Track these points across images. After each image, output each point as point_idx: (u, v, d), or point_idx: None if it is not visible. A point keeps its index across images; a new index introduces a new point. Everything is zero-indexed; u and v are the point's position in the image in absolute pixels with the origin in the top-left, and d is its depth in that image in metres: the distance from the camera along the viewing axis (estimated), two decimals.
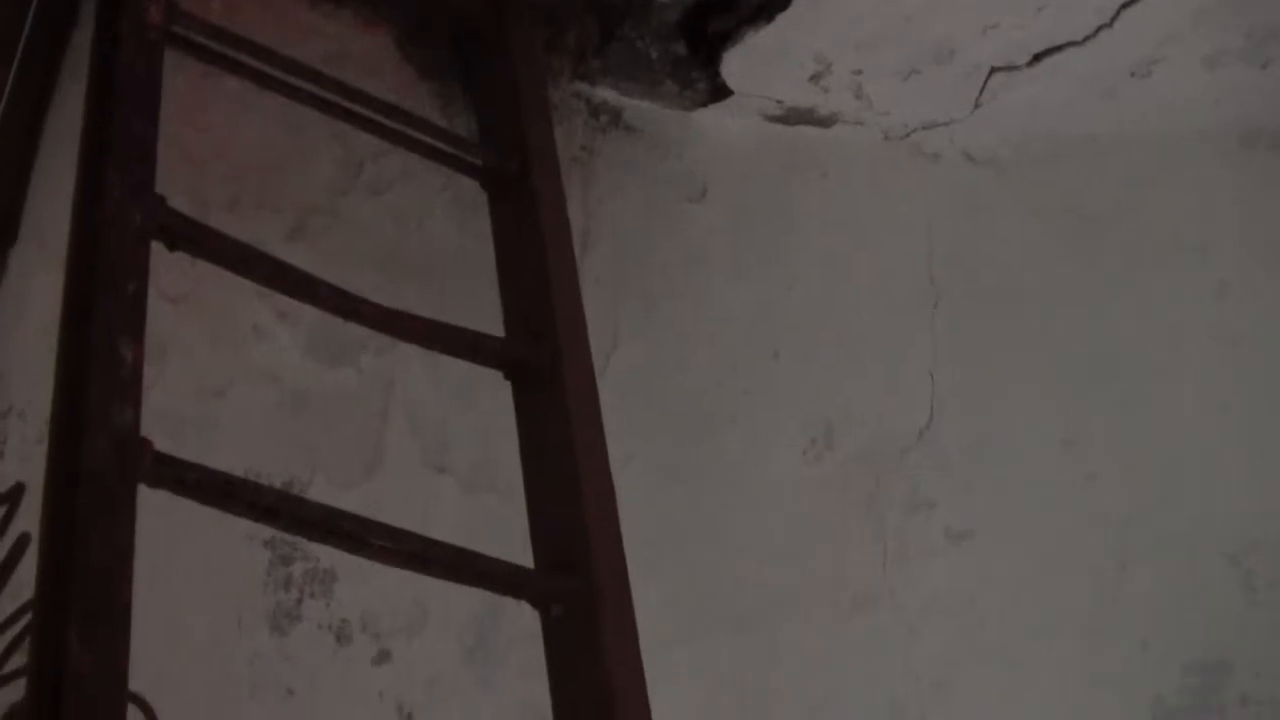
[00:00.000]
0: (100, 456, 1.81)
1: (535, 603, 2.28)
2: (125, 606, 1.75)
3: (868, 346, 3.11)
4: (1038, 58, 2.94)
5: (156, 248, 2.13)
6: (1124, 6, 2.77)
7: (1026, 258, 3.07)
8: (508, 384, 2.53)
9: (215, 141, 2.86)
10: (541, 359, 2.44)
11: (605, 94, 3.22)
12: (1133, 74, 2.96)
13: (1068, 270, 3.03)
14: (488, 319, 2.56)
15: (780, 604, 2.98)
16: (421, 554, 2.17)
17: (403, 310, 2.42)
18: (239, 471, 2.53)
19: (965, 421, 3.00)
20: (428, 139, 2.72)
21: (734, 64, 3.06)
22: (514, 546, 2.40)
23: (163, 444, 1.98)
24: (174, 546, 3.29)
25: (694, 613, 2.96)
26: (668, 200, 3.30)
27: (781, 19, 2.90)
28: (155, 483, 1.94)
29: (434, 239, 3.40)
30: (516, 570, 2.27)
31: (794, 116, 3.24)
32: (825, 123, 3.25)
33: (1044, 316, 3.02)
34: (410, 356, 3.13)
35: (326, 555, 3.34)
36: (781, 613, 2.97)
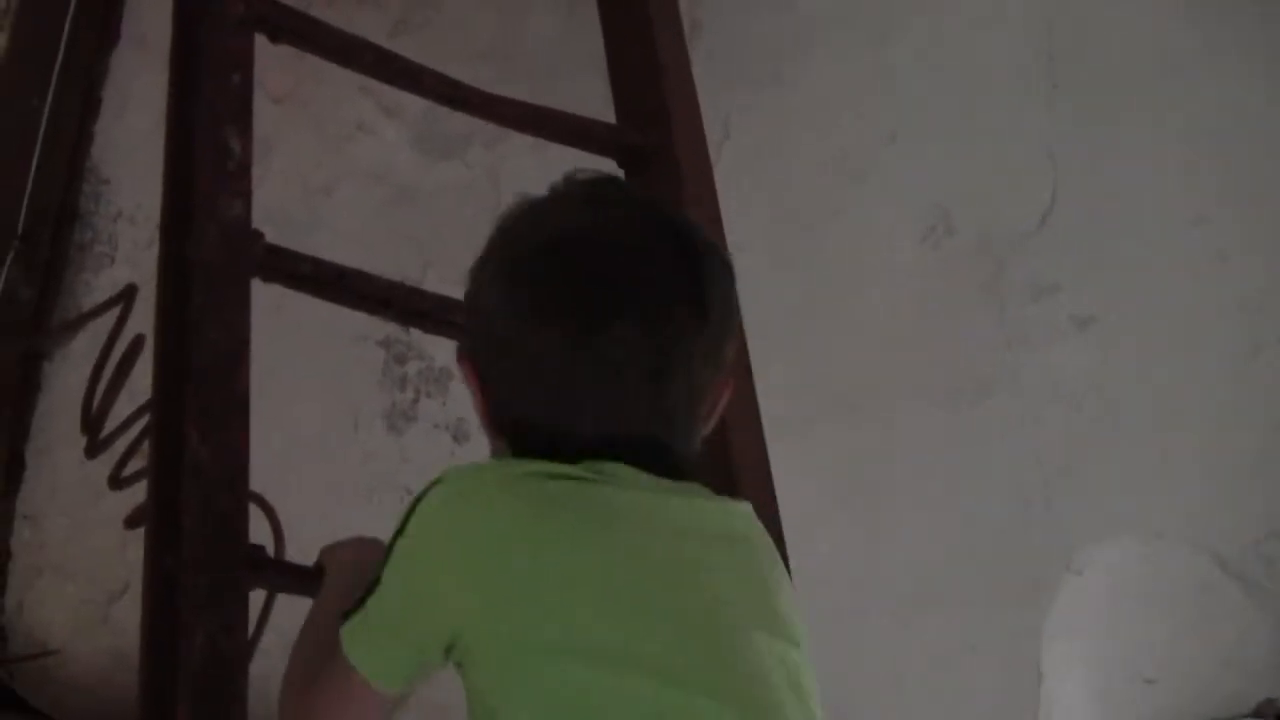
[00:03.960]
0: (211, 247, 1.79)
1: None
2: (243, 399, 1.74)
3: (986, 129, 3.03)
4: None
5: (260, 42, 2.09)
6: None
7: (1150, 33, 2.95)
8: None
9: None
10: (655, 143, 2.38)
11: None
12: None
13: (1195, 44, 2.91)
14: (595, 114, 2.50)
15: (901, 390, 2.94)
16: None
17: (511, 98, 2.36)
18: None
19: (1088, 204, 2.92)
20: None
21: None
22: None
23: (269, 241, 1.96)
24: (288, 348, 3.30)
25: (813, 399, 2.93)
26: None
27: None
28: (268, 275, 1.92)
29: (539, 31, 3.34)
30: None
31: None
32: None
33: (1169, 94, 2.91)
34: (519, 149, 3.08)
35: (442, 354, 3.34)
36: (902, 399, 2.94)
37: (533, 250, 1.48)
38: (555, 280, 1.45)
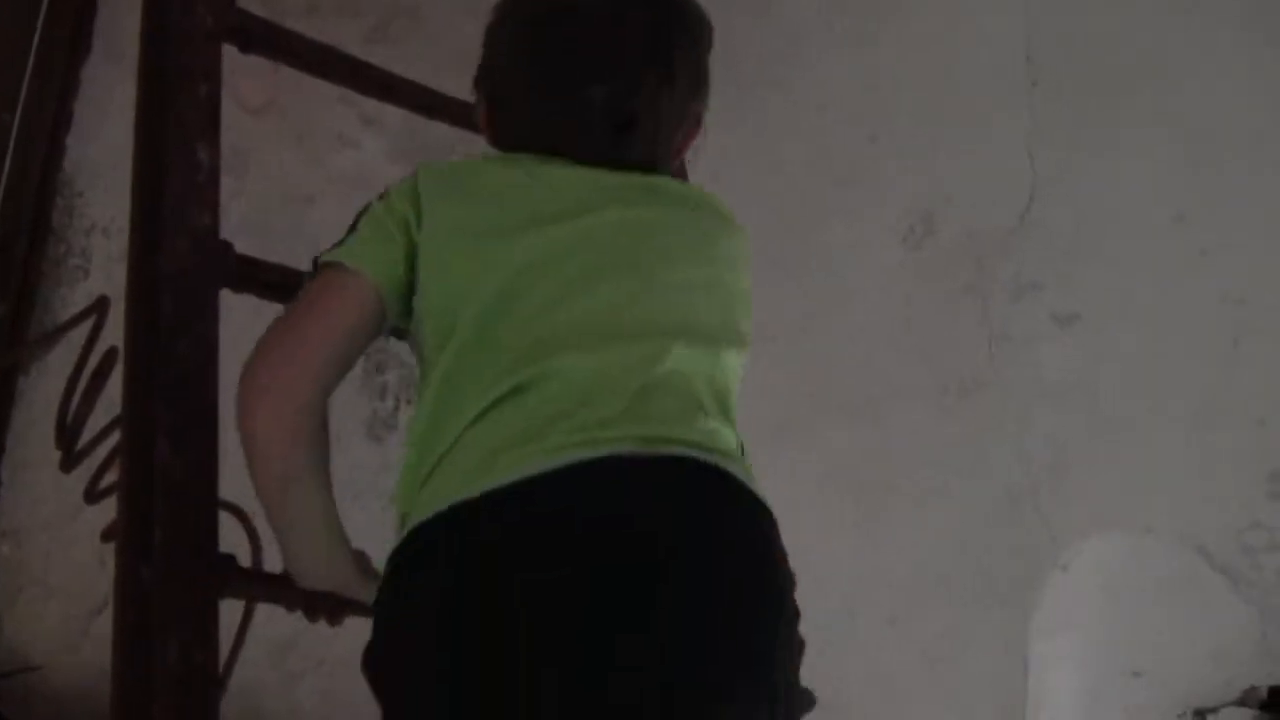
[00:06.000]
0: (180, 259, 1.79)
1: None
2: (212, 410, 1.73)
3: (965, 129, 3.03)
4: None
5: (230, 52, 2.08)
6: None
7: (1128, 32, 2.95)
8: None
9: None
10: None
11: None
12: None
13: (1173, 42, 2.91)
14: None
15: (886, 390, 2.94)
16: None
17: None
18: None
19: (1068, 202, 2.92)
20: None
21: None
22: None
23: (250, 252, 1.95)
24: None
25: (799, 400, 2.92)
26: None
27: None
28: (239, 286, 1.91)
29: None
30: None
31: None
32: None
33: (1148, 92, 2.90)
34: None
35: None
36: (888, 399, 2.94)
37: (528, 18, 1.80)
38: (541, 47, 1.78)
